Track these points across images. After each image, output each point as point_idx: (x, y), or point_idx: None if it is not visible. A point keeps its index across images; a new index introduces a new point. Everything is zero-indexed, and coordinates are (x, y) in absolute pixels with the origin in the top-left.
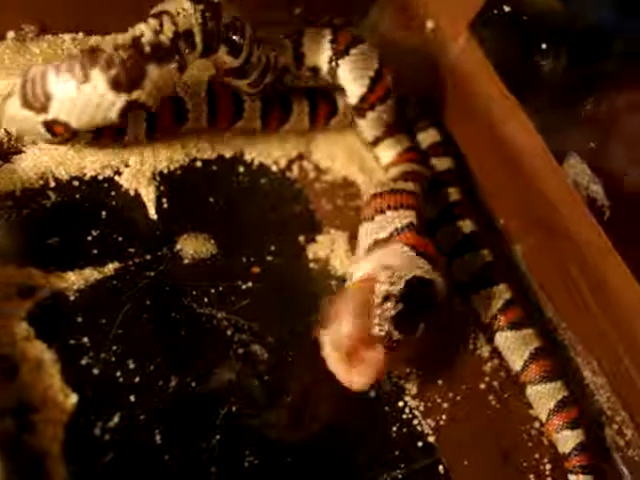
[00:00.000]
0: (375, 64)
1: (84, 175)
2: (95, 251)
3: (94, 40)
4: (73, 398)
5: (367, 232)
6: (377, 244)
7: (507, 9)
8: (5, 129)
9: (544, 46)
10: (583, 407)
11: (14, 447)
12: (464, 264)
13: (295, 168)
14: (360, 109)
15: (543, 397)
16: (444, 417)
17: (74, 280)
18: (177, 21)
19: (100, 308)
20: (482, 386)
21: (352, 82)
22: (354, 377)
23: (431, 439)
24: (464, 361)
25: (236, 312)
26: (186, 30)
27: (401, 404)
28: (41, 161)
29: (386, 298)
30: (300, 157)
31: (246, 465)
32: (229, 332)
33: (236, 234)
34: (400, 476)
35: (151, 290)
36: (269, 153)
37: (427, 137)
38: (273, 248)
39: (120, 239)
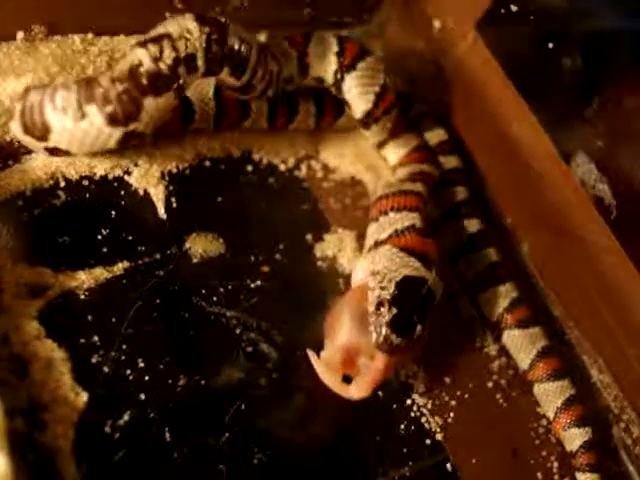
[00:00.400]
0: (381, 79)
1: (94, 175)
2: (105, 250)
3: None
4: (83, 396)
5: (371, 233)
6: (377, 245)
7: (514, 8)
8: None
9: (551, 45)
10: (590, 405)
11: (25, 445)
12: (471, 263)
13: (303, 167)
14: (364, 122)
15: (550, 395)
16: (452, 415)
17: (84, 279)
18: (178, 46)
19: (110, 307)
20: (489, 384)
21: (357, 98)
22: (351, 390)
23: (439, 437)
24: (472, 359)
25: (245, 310)
26: (188, 54)
27: (409, 402)
28: (51, 161)
29: (379, 304)
30: (308, 156)
31: (255, 463)
32: (238, 330)
33: (244, 233)
34: (408, 473)
35: (160, 289)
36: (277, 152)
37: (434, 136)
38: (281, 247)
39: (130, 238)
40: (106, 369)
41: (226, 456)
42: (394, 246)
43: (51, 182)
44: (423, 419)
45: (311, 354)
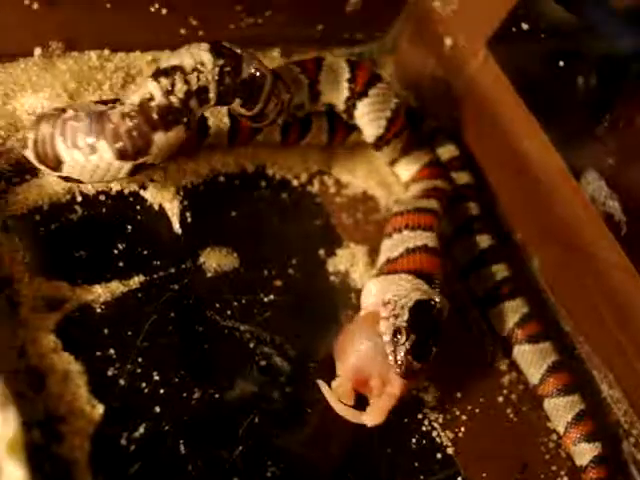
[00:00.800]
0: (392, 104)
1: (110, 190)
2: (121, 264)
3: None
4: (99, 409)
5: (384, 249)
6: (388, 263)
7: (525, 27)
8: None
9: (562, 63)
10: (600, 420)
11: (42, 457)
12: (482, 278)
13: (316, 182)
14: (376, 145)
15: (560, 410)
16: (463, 429)
17: (100, 293)
18: (191, 79)
19: (126, 320)
20: (500, 399)
21: (368, 124)
22: (365, 417)
23: (450, 451)
24: (482, 374)
25: (258, 324)
26: (200, 87)
27: (420, 416)
28: None
29: (396, 332)
30: (320, 172)
31: (268, 475)
32: (251, 344)
33: (258, 248)
34: None
35: (175, 303)
36: (290, 168)
37: (445, 152)
38: (294, 261)
39: (145, 253)
40: (122, 382)
41: (240, 469)
42: (402, 271)
43: (68, 197)
44: (434, 433)
45: (322, 384)
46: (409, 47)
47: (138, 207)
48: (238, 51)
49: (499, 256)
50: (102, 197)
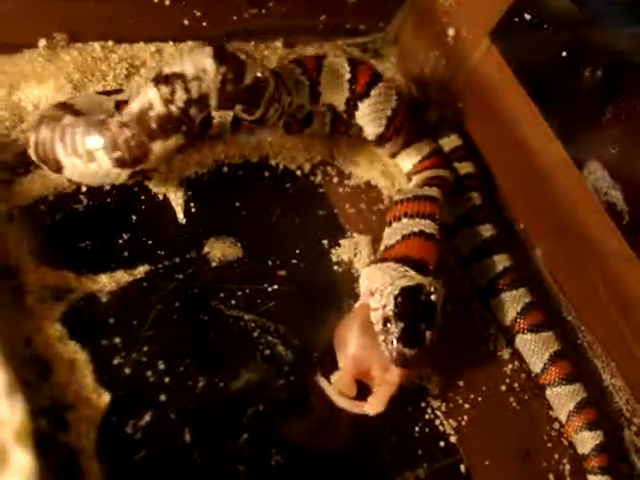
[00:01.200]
0: (393, 102)
1: None
2: (126, 254)
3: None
4: (106, 397)
5: (384, 238)
6: (385, 250)
7: (528, 17)
8: None
9: (564, 53)
10: (602, 409)
11: (49, 445)
12: (484, 267)
13: (319, 173)
14: (377, 142)
15: (563, 399)
16: (465, 418)
17: (106, 282)
18: (191, 87)
19: (131, 310)
20: (503, 387)
21: (370, 123)
22: (366, 407)
23: (453, 439)
24: (485, 363)
25: (262, 314)
26: (201, 95)
27: (423, 405)
28: None
29: (385, 321)
30: (324, 162)
31: (273, 464)
32: (255, 334)
33: (262, 238)
34: (422, 475)
35: (180, 292)
36: (294, 158)
37: (448, 142)
38: (298, 251)
39: (150, 242)
40: (127, 371)
41: (244, 457)
42: (390, 259)
43: (73, 187)
44: (437, 421)
45: (321, 380)
46: (412, 38)
47: (143, 197)
48: (242, 57)
49: (501, 246)
50: (107, 187)
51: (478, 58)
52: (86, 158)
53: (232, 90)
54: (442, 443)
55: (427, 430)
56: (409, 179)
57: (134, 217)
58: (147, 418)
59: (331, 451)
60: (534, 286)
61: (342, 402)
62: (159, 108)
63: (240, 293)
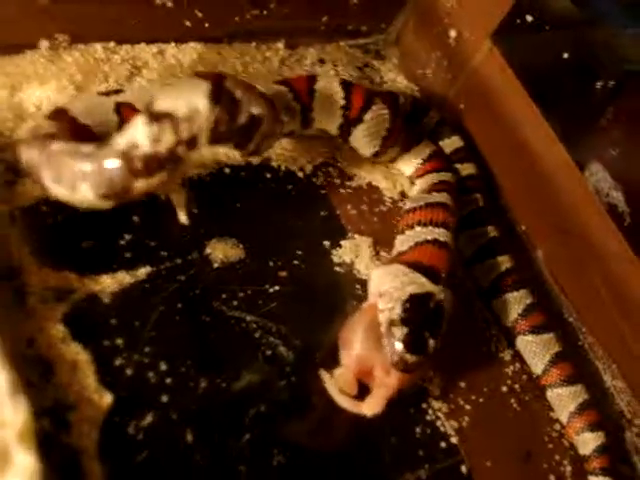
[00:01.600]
0: (387, 122)
1: None
2: (128, 255)
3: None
4: (108, 398)
5: (396, 245)
6: (398, 255)
7: (530, 19)
8: None
9: (566, 55)
10: (603, 410)
11: (51, 445)
12: (486, 269)
13: (321, 174)
14: (373, 158)
15: (564, 400)
16: (467, 419)
17: (108, 283)
18: (181, 129)
19: (133, 311)
20: (504, 389)
21: (364, 146)
22: (363, 407)
23: (454, 440)
24: (486, 364)
25: (264, 315)
26: (191, 136)
27: (425, 405)
28: None
29: (390, 324)
30: (325, 163)
31: (274, 464)
32: (257, 334)
33: (264, 239)
34: (424, 476)
35: (182, 293)
36: (295, 160)
37: (449, 143)
38: (299, 253)
39: (152, 244)
40: (129, 371)
41: (246, 458)
42: (400, 263)
43: None
44: (438, 422)
45: (324, 374)
46: (414, 39)
47: (144, 198)
48: (237, 94)
49: (503, 247)
50: None
51: (480, 59)
52: (70, 189)
53: (224, 130)
54: (443, 444)
55: (428, 431)
56: (412, 183)
57: (136, 218)
58: (149, 419)
59: (332, 452)
60: (535, 287)
61: (340, 399)
62: (146, 148)
63: (242, 294)
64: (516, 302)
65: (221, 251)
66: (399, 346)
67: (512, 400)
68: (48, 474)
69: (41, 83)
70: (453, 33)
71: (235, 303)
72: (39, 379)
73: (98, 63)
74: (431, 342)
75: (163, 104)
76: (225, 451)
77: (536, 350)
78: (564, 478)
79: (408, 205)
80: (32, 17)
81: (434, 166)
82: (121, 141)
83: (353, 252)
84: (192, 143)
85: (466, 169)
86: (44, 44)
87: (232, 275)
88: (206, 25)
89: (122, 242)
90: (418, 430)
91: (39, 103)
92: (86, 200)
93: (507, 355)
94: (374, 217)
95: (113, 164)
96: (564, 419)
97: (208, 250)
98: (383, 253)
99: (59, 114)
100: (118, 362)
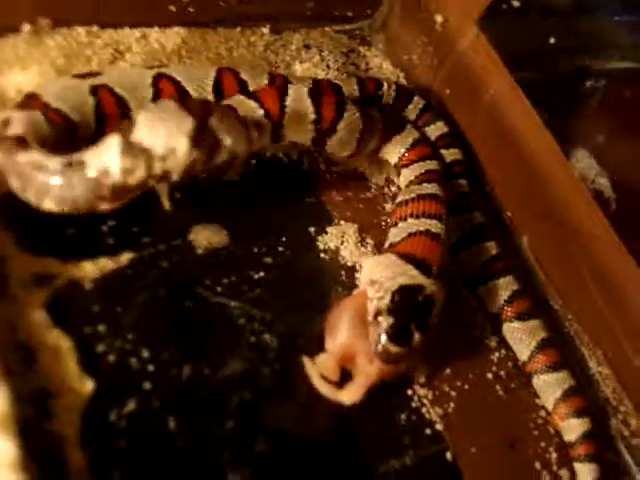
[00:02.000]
0: (360, 125)
1: None
2: (110, 241)
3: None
4: (89, 385)
5: (389, 237)
6: (390, 247)
7: (516, 4)
8: None
9: (552, 40)
10: (589, 397)
11: (32, 432)
12: (471, 255)
13: (306, 160)
14: (350, 158)
15: (549, 386)
16: (452, 405)
17: (90, 269)
18: (156, 167)
19: (115, 297)
20: (489, 375)
21: (339, 150)
22: (342, 395)
23: (439, 427)
24: (472, 351)
25: (248, 301)
26: (164, 172)
27: (410, 392)
28: None
29: (377, 314)
30: (311, 150)
31: (258, 450)
32: (241, 321)
33: (248, 225)
34: (409, 462)
35: (165, 279)
36: (280, 146)
37: (434, 129)
38: (284, 239)
39: (134, 229)
40: (111, 358)
41: (229, 445)
42: (393, 253)
43: None
44: (424, 409)
45: (306, 360)
46: (400, 24)
47: None
48: (221, 134)
49: (489, 233)
50: None
51: (466, 45)
52: (35, 200)
53: (199, 168)
54: (428, 431)
55: (413, 418)
56: (398, 173)
57: None
58: (131, 406)
59: (317, 439)
60: (521, 274)
61: (320, 385)
62: (116, 177)
63: (226, 280)
64: (502, 289)
65: (205, 237)
66: (383, 336)
67: (497, 387)
68: (29, 461)
69: (23, 68)
70: (439, 19)
71: (219, 289)
72: (20, 366)
73: (81, 47)
74: (417, 335)
75: (142, 135)
76: (208, 438)
77: (522, 337)
78: (549, 465)
79: (400, 198)
80: (13, 0)
81: (418, 154)
82: (92, 164)
83: (338, 238)
84: (163, 178)
85: (451, 155)
86: (26, 28)
87: (216, 261)
88: (190, 10)
89: (104, 228)
90: (403, 417)
91: (20, 88)
92: (53, 210)
93: (493, 342)
94: (360, 203)
95: (80, 187)
96: (550, 405)
97: (192, 236)
98: (368, 240)
99: (31, 99)
100: (100, 349)
